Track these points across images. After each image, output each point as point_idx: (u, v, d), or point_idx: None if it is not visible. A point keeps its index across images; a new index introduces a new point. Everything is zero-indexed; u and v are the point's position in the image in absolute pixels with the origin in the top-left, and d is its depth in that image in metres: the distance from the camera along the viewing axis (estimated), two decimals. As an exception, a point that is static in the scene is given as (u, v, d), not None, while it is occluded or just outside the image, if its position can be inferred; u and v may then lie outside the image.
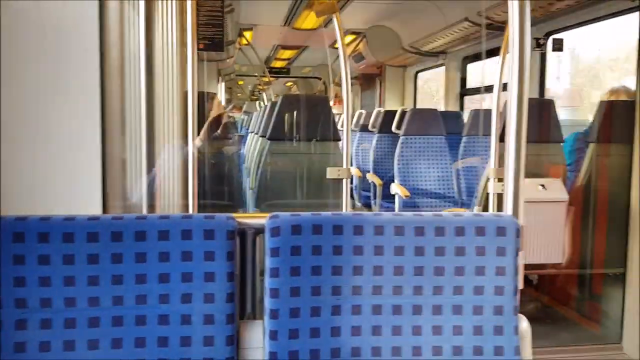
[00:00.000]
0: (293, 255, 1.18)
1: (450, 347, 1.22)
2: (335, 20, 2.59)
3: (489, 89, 3.88)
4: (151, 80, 1.39)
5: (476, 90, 5.41)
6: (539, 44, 3.82)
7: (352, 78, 8.26)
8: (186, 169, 1.51)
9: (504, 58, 2.81)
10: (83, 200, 1.37)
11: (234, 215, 1.22)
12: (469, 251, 1.21)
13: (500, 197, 1.49)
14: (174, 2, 1.51)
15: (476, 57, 5.32)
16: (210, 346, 1.17)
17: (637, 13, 2.98)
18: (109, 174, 1.37)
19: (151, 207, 1.40)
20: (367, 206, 5.09)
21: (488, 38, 4.55)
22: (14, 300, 1.13)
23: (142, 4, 1.33)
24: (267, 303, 1.19)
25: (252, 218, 1.29)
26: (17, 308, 1.13)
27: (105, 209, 1.37)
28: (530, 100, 1.34)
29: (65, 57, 1.33)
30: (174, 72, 1.58)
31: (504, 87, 1.45)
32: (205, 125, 3.20)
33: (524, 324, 1.29)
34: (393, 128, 4.79)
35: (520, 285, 1.28)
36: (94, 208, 1.36)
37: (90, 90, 1.33)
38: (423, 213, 1.23)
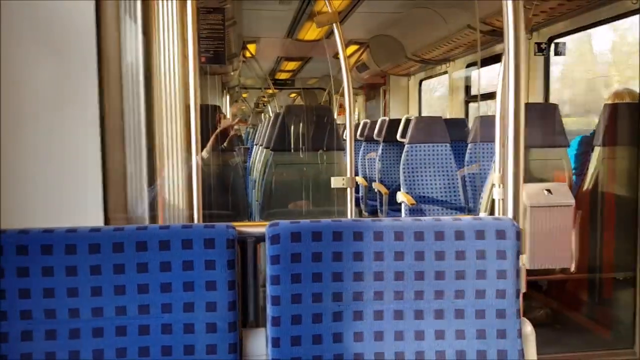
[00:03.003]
0: (293, 263, 1.18)
1: (453, 351, 1.21)
2: (336, 30, 2.61)
3: (491, 95, 3.88)
4: (151, 93, 1.40)
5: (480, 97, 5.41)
6: (541, 49, 3.82)
7: (356, 88, 8.30)
8: (190, 182, 1.52)
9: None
10: (85, 213, 1.38)
11: (234, 224, 1.23)
12: (469, 255, 1.21)
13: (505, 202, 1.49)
14: (173, 13, 1.52)
15: (481, 64, 5.32)
16: (214, 354, 1.18)
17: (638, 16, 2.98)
18: (110, 186, 1.39)
19: (153, 218, 1.41)
20: (374, 215, 5.08)
21: (491, 45, 4.56)
22: (19, 312, 1.14)
23: (139, 15, 1.34)
24: (269, 310, 1.20)
25: (252, 226, 1.30)
26: (22, 319, 1.14)
27: (106, 221, 1.39)
28: (535, 105, 1.34)
29: (64, 69, 1.35)
30: (175, 85, 1.59)
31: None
32: (212, 139, 3.22)
33: (528, 327, 1.28)
34: (398, 136, 4.79)
35: (523, 289, 1.27)
36: (96, 221, 1.37)
37: (89, 103, 1.35)
38: (422, 218, 1.23)
